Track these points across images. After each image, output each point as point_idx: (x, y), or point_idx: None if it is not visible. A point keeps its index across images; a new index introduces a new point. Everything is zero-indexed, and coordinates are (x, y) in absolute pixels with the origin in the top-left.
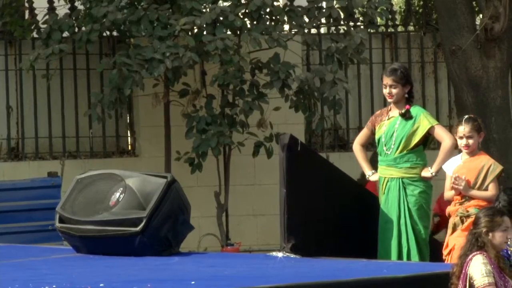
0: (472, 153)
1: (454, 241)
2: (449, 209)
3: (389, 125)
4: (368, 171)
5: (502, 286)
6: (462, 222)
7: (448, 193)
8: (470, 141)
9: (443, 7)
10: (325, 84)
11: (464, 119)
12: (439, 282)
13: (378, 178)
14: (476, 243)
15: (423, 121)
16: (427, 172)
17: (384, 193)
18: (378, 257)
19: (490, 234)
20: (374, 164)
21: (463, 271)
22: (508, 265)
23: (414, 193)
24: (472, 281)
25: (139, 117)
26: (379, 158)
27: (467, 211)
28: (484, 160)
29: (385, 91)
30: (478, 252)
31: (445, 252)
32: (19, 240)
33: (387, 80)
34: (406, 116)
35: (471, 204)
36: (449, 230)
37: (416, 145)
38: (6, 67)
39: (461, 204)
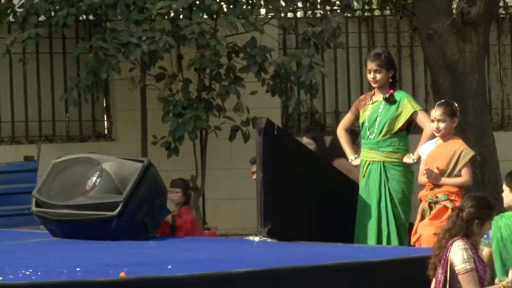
0: (444, 137)
1: (422, 230)
2: (421, 194)
3: (372, 109)
4: (351, 156)
5: (482, 271)
6: (431, 208)
7: (422, 178)
8: (441, 125)
9: None
10: (301, 68)
11: (437, 103)
12: (415, 266)
13: (360, 161)
14: (465, 231)
15: (407, 106)
16: (408, 159)
17: (364, 176)
18: (355, 241)
19: (481, 226)
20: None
21: (444, 256)
22: (488, 244)
23: (395, 178)
24: (453, 266)
25: (116, 101)
26: (362, 141)
27: (436, 197)
28: (456, 146)
29: (369, 76)
30: (458, 238)
31: (413, 238)
32: None
33: (371, 65)
34: (390, 100)
35: (440, 190)
36: (418, 216)
37: (400, 129)
38: None
39: (432, 189)
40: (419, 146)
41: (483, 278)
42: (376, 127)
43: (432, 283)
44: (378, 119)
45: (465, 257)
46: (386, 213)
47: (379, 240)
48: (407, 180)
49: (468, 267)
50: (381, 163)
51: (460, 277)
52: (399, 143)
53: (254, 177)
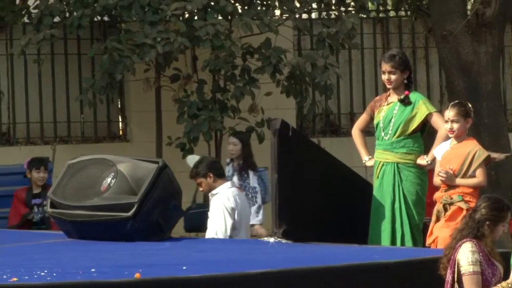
0: (459, 138)
1: (438, 232)
2: (436, 195)
3: (387, 110)
4: (365, 156)
5: (490, 274)
6: (445, 209)
7: (437, 179)
8: (455, 126)
9: None
10: (316, 69)
11: (451, 104)
12: (429, 267)
13: (374, 162)
14: (475, 232)
15: (422, 107)
16: (422, 160)
17: (378, 177)
18: (369, 242)
19: (493, 227)
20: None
21: (452, 257)
22: None
23: (409, 179)
24: (459, 267)
25: (130, 102)
26: (376, 142)
27: (451, 198)
28: (471, 146)
29: (384, 77)
30: (467, 240)
31: (429, 240)
32: None
33: (386, 67)
34: (405, 101)
35: (455, 191)
36: (433, 217)
37: (414, 131)
38: None
39: (446, 191)
40: (433, 148)
41: (490, 282)
42: (390, 128)
43: None
44: (393, 120)
45: (471, 259)
46: (400, 214)
47: (393, 241)
48: (421, 181)
49: (471, 270)
50: (395, 164)
51: (464, 279)
52: (413, 144)
53: (201, 188)
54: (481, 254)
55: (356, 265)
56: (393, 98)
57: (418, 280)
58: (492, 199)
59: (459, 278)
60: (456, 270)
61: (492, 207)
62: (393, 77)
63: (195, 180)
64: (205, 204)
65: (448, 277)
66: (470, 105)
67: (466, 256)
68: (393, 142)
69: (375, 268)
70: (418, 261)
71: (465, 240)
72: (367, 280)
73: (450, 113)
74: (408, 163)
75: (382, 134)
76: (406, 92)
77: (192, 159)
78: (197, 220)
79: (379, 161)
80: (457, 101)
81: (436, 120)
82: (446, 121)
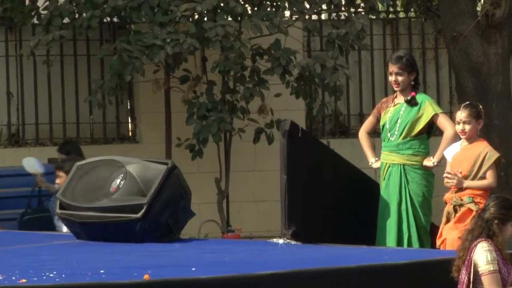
0: (470, 139)
1: (447, 233)
2: (446, 196)
3: (394, 111)
4: (371, 159)
5: (506, 273)
6: (456, 211)
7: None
8: (467, 127)
9: None
10: (326, 70)
11: (463, 105)
12: (439, 268)
13: (380, 164)
14: (486, 231)
15: (428, 108)
16: (429, 162)
17: (384, 178)
18: (376, 243)
19: (501, 226)
20: None
21: (468, 258)
22: None
23: (415, 180)
24: (477, 268)
25: (140, 103)
26: (383, 144)
27: (461, 200)
28: (481, 148)
29: (391, 78)
30: (483, 239)
31: (438, 241)
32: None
33: (393, 68)
34: (412, 102)
35: (465, 192)
36: (444, 219)
37: (420, 132)
38: (7, 53)
39: (457, 192)
40: (439, 149)
41: (506, 280)
42: (397, 129)
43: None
44: (399, 121)
45: (489, 258)
46: (406, 216)
47: (399, 243)
48: (428, 183)
49: (492, 268)
50: (401, 165)
51: (483, 278)
52: (419, 146)
53: (57, 181)
54: (496, 253)
55: (366, 266)
56: (400, 99)
57: (428, 282)
58: (500, 198)
59: (474, 279)
60: (472, 270)
61: (501, 205)
62: (400, 78)
63: (58, 171)
64: (43, 208)
65: (464, 278)
66: (481, 106)
67: (484, 255)
68: (399, 144)
69: (385, 269)
70: (428, 262)
71: (480, 240)
72: (376, 281)
73: (462, 114)
74: (415, 164)
75: (388, 135)
76: (413, 93)
77: (28, 161)
78: (36, 226)
79: (385, 162)
80: (468, 102)
81: (442, 121)
82: (457, 122)
